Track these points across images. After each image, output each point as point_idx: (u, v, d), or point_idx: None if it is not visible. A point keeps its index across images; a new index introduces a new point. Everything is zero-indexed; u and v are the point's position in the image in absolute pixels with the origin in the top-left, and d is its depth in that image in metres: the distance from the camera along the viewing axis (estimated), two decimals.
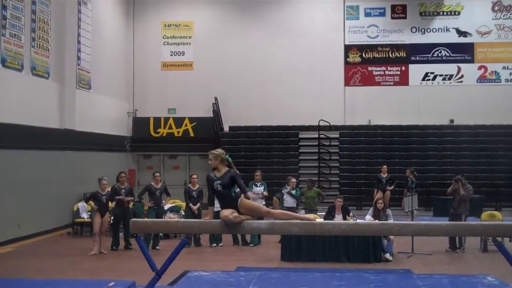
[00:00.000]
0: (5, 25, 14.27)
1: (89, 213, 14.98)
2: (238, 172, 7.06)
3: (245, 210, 6.95)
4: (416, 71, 22.96)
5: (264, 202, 14.24)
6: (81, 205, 16.08)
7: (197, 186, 13.99)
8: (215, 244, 13.92)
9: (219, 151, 7.12)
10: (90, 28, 19.18)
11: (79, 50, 18.32)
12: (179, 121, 22.64)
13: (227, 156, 7.09)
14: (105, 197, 13.19)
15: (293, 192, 14.51)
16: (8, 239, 13.99)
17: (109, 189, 13.42)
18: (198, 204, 13.74)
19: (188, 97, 22.77)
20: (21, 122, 14.72)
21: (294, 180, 14.90)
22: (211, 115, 22.28)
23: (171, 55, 23.42)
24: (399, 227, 7.07)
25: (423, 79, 22.92)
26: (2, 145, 13.83)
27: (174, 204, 15.68)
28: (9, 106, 14.30)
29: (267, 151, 22.10)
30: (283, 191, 14.62)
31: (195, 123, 22.48)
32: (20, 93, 14.93)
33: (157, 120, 22.74)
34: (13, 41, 14.63)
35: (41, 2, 16.13)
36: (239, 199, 6.96)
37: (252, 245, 13.94)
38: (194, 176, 14.28)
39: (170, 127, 22.66)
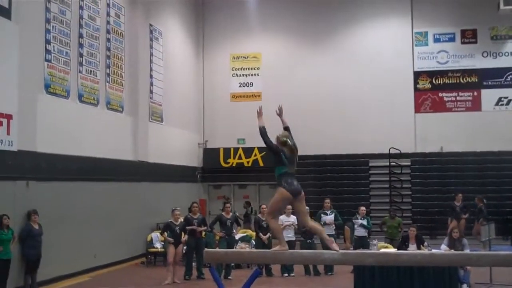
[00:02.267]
0: (81, 62, 14.87)
1: (163, 243, 15.25)
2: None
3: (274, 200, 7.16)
4: (488, 96, 22.35)
5: (334, 232, 14.25)
6: (155, 235, 16.39)
7: None
8: (286, 274, 13.88)
9: (280, 133, 7.51)
10: (161, 62, 19.73)
11: (151, 84, 18.86)
12: (248, 151, 22.77)
13: (284, 138, 7.39)
14: (178, 227, 13.41)
15: (365, 222, 14.43)
16: (85, 269, 14.39)
17: (182, 219, 13.64)
18: (268, 234, 13.77)
19: (257, 127, 22.84)
20: (97, 155, 15.20)
21: (363, 208, 14.89)
22: None
23: (239, 86, 23.75)
24: (476, 257, 6.90)
25: (497, 104, 22.30)
26: (79, 177, 14.30)
27: (245, 234, 15.77)
28: (86, 140, 14.80)
29: (337, 180, 21.97)
30: (354, 221, 14.55)
31: (264, 152, 22.47)
32: (96, 127, 15.45)
33: (226, 150, 22.98)
34: (89, 77, 15.20)
35: (115, 39, 16.74)
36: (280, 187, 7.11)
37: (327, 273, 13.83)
38: (264, 206, 14.36)
39: (240, 157, 22.85)
